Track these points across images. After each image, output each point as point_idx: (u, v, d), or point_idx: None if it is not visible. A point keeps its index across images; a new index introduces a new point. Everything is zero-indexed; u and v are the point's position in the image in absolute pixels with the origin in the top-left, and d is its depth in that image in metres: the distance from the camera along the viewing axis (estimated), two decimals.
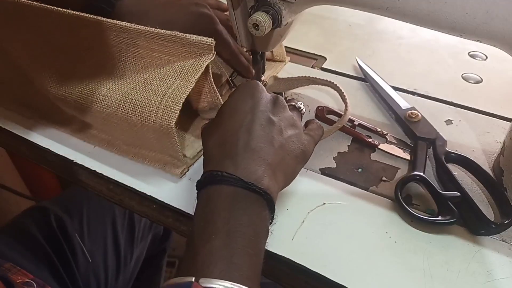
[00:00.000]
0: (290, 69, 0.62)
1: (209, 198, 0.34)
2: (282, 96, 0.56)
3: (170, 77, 0.42)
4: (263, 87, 0.42)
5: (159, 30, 0.42)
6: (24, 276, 0.53)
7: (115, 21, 0.43)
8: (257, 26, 0.42)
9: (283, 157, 0.37)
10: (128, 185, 0.45)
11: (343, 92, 0.52)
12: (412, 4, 0.37)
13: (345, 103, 0.51)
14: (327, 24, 0.74)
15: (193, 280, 0.28)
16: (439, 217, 0.39)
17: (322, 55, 0.65)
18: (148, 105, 0.42)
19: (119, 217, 0.73)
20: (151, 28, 0.42)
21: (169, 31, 0.41)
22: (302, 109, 0.45)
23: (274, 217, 0.35)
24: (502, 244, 0.39)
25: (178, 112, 0.41)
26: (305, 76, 0.56)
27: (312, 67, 0.63)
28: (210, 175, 0.34)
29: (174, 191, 0.44)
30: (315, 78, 0.55)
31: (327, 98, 0.56)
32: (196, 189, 0.36)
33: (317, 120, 0.45)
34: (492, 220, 0.39)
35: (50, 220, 0.66)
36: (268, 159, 0.35)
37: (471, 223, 0.40)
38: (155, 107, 0.41)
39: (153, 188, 0.44)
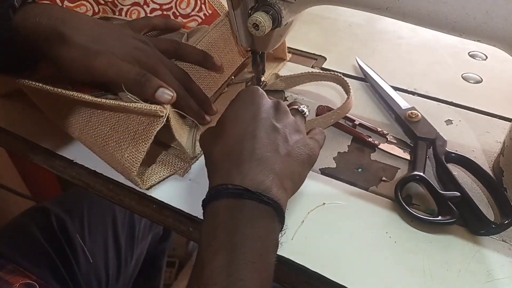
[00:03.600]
0: (290, 69, 0.62)
1: (215, 212, 0.33)
2: (282, 94, 0.57)
3: (124, 140, 0.42)
4: (264, 93, 0.41)
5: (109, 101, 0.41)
6: (26, 278, 0.53)
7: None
8: (257, 26, 0.42)
9: (290, 164, 0.36)
10: (128, 185, 0.45)
11: (347, 83, 0.53)
12: (412, 4, 0.37)
13: (348, 94, 0.51)
14: (327, 24, 0.74)
15: None
16: (439, 217, 0.39)
17: (322, 55, 0.65)
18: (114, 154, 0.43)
19: (120, 217, 0.73)
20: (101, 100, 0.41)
21: (117, 102, 0.41)
22: (305, 113, 0.44)
23: (284, 227, 0.34)
24: (502, 244, 0.39)
25: (139, 164, 0.42)
26: (308, 72, 0.56)
27: (312, 67, 0.63)
28: (215, 190, 0.33)
29: (174, 191, 0.44)
30: (318, 73, 0.56)
31: (328, 97, 0.56)
32: (202, 206, 0.35)
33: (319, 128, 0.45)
34: (492, 220, 0.39)
35: (51, 221, 0.66)
36: (275, 167, 0.34)
37: (471, 223, 0.40)
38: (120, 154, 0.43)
39: (153, 188, 0.44)
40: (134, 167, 0.41)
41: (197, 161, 0.47)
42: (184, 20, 0.60)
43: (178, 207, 0.42)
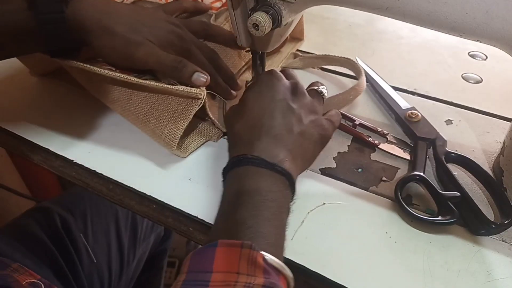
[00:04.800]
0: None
1: (236, 177, 0.38)
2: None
3: (164, 118, 0.46)
4: (282, 76, 0.45)
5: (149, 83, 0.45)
6: (31, 277, 0.53)
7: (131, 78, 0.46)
8: (257, 26, 0.42)
9: (302, 143, 0.41)
10: (128, 185, 0.45)
11: (358, 65, 0.56)
12: (412, 4, 0.37)
13: (360, 75, 0.54)
14: (327, 24, 0.74)
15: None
16: (439, 217, 0.39)
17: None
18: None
19: (122, 217, 0.73)
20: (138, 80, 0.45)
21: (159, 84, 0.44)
22: (324, 94, 0.47)
23: (294, 197, 0.39)
24: (502, 244, 0.39)
25: (177, 141, 0.45)
26: (323, 54, 0.60)
27: (312, 67, 0.63)
28: (237, 159, 0.38)
29: (174, 191, 0.44)
30: (332, 56, 0.59)
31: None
32: (223, 174, 0.40)
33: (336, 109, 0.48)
34: (492, 220, 0.39)
35: (54, 220, 0.66)
36: (288, 145, 0.40)
37: (471, 223, 0.40)
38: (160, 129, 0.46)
39: (153, 188, 0.44)
40: (174, 142, 0.46)
41: (196, 161, 0.47)
42: (210, 0, 0.62)
43: (178, 207, 0.42)
